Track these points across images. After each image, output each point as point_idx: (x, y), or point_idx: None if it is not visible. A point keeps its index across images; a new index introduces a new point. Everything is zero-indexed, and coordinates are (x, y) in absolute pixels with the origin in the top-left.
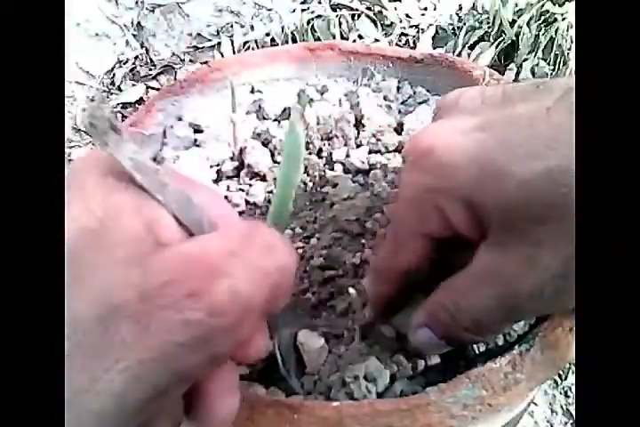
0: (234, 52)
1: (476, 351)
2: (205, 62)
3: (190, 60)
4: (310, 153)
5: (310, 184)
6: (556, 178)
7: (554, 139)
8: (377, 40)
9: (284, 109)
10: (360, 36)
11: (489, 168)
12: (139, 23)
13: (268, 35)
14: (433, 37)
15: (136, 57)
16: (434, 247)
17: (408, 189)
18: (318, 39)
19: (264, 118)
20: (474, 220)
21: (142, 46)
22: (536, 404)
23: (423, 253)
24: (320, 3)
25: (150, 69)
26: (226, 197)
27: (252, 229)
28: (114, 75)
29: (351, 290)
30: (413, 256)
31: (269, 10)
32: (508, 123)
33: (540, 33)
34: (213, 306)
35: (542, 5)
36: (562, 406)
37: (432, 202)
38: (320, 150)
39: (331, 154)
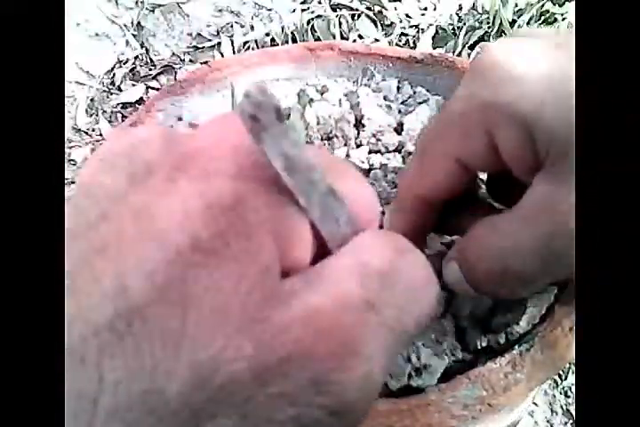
0: (234, 52)
1: (478, 346)
2: (205, 62)
3: (190, 60)
4: None
5: None
6: None
7: None
8: (377, 40)
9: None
10: (360, 36)
11: (560, 87)
12: (139, 23)
13: (267, 35)
14: (433, 37)
15: (136, 57)
16: (464, 180)
17: (459, 103)
18: (318, 39)
19: None
20: (528, 146)
21: (142, 46)
22: (536, 404)
23: (452, 181)
24: (320, 3)
25: (150, 69)
26: None
27: (399, 258)
28: (114, 75)
29: None
30: (441, 182)
31: (269, 10)
32: None
33: None
34: (342, 401)
35: (542, 5)
36: (562, 406)
37: (484, 120)
38: None
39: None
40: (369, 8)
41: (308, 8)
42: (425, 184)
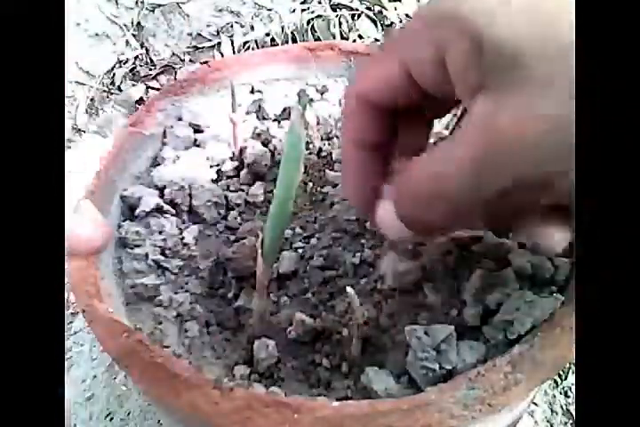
0: (234, 52)
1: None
2: (205, 62)
3: (190, 60)
4: (310, 153)
5: (310, 184)
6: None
7: None
8: (377, 40)
9: (284, 109)
10: (360, 36)
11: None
12: (139, 23)
13: (268, 35)
14: None
15: (136, 57)
16: (406, 90)
17: (419, 15)
18: (318, 39)
19: (264, 118)
20: (474, 61)
21: (142, 46)
22: (536, 404)
23: (393, 85)
24: (320, 3)
25: (150, 69)
26: (226, 197)
27: None
28: (114, 75)
29: (349, 289)
30: (382, 82)
31: (269, 10)
32: None
33: None
34: None
35: None
36: (562, 406)
37: (438, 34)
38: (320, 150)
39: (331, 154)
40: (369, 8)
41: (308, 8)
42: (367, 83)
